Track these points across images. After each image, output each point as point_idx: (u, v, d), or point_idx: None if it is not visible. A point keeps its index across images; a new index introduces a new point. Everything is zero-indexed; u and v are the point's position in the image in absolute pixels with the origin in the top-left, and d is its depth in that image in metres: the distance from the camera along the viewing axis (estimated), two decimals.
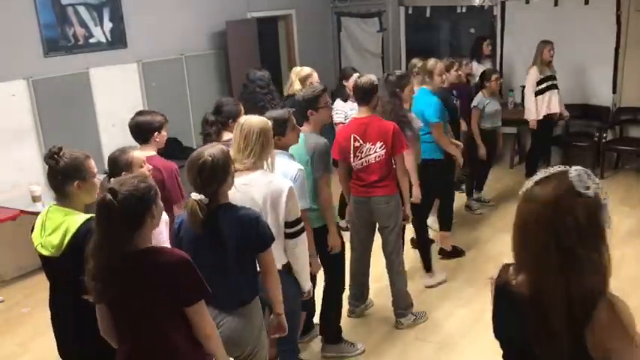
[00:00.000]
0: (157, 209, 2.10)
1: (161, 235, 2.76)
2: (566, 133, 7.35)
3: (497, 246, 5.00)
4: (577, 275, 1.44)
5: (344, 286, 3.79)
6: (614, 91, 7.06)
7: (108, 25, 5.72)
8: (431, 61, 4.85)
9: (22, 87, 5.05)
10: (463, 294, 4.43)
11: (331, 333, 3.81)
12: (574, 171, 1.48)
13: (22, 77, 5.05)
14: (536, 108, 6.24)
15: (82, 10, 5.48)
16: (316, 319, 3.88)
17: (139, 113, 3.68)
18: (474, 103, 5.76)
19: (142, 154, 3.11)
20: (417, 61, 5.14)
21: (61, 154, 2.47)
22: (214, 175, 2.40)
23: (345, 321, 4.05)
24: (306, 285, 2.98)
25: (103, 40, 5.70)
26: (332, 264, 3.61)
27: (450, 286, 4.60)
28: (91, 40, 5.59)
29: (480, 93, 5.81)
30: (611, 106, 7.10)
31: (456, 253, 5.08)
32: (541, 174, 1.53)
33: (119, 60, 5.80)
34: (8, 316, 4.50)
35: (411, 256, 5.09)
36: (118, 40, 5.80)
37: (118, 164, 2.96)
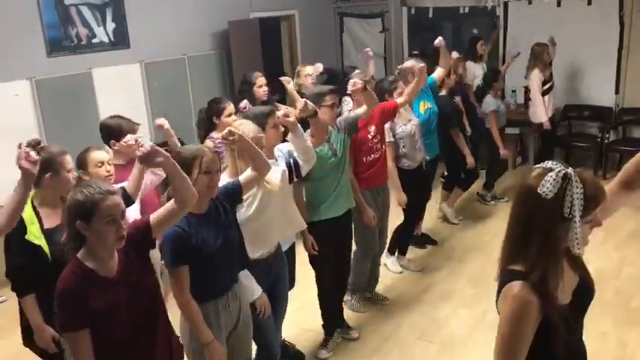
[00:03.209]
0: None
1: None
2: (568, 134, 7.35)
3: (500, 247, 4.98)
4: (512, 261, 1.67)
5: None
6: (616, 92, 7.05)
7: (111, 25, 5.73)
8: (410, 62, 4.78)
9: (25, 87, 5.06)
10: (465, 295, 4.43)
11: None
12: (549, 175, 1.58)
13: (25, 77, 5.05)
14: (545, 110, 6.26)
15: (84, 10, 5.49)
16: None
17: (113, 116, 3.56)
18: (492, 107, 5.80)
19: (101, 155, 3.05)
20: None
21: (38, 147, 2.56)
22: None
23: (348, 319, 4.08)
24: None
25: (106, 40, 5.71)
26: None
27: (452, 287, 4.60)
28: (94, 41, 5.60)
29: (489, 95, 5.83)
30: (614, 106, 7.09)
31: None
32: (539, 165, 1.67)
33: (122, 60, 5.80)
34: (12, 316, 4.51)
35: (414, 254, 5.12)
36: (120, 40, 5.81)
37: (77, 161, 3.05)
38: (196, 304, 2.47)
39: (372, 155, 3.90)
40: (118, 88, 5.74)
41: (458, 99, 5.40)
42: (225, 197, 2.63)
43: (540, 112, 6.26)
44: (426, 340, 3.92)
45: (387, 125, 4.19)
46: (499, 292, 1.68)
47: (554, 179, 1.56)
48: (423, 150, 4.52)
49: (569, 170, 1.58)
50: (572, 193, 1.55)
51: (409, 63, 4.65)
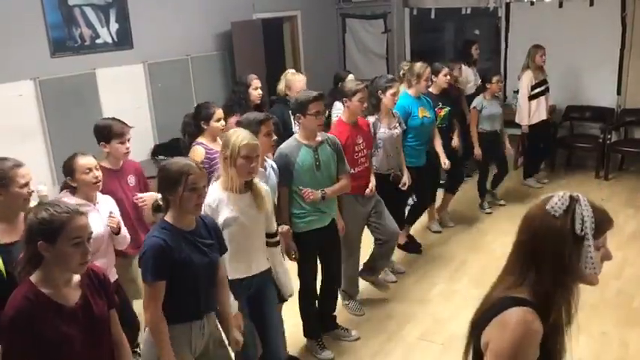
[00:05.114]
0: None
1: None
2: (570, 135, 7.35)
3: (502, 248, 4.99)
4: (512, 287, 1.56)
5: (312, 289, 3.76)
6: (618, 93, 7.06)
7: (114, 25, 5.74)
8: (419, 64, 4.80)
9: (29, 87, 5.07)
10: (467, 295, 4.43)
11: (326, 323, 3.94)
12: (556, 196, 1.54)
13: (29, 77, 5.07)
14: (530, 113, 6.23)
15: (88, 10, 5.51)
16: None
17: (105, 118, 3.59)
18: (473, 104, 5.77)
19: (88, 161, 3.01)
20: (405, 64, 5.13)
21: None
22: (160, 183, 2.46)
23: (349, 320, 4.11)
24: None
25: (110, 40, 5.73)
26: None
27: (454, 287, 4.61)
28: (98, 41, 5.62)
29: (481, 95, 5.82)
30: (616, 107, 7.10)
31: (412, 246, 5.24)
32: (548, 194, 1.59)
33: (125, 61, 5.82)
34: None
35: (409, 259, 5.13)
36: (124, 40, 5.83)
37: (64, 169, 3.00)
38: (165, 322, 2.36)
39: (357, 168, 3.89)
40: (122, 89, 5.76)
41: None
42: (214, 229, 2.57)
43: (522, 115, 6.22)
44: (428, 340, 3.94)
45: (371, 119, 4.22)
46: (485, 319, 1.58)
47: (562, 197, 1.52)
48: (395, 163, 4.43)
49: (576, 193, 1.54)
50: (582, 210, 1.50)
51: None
